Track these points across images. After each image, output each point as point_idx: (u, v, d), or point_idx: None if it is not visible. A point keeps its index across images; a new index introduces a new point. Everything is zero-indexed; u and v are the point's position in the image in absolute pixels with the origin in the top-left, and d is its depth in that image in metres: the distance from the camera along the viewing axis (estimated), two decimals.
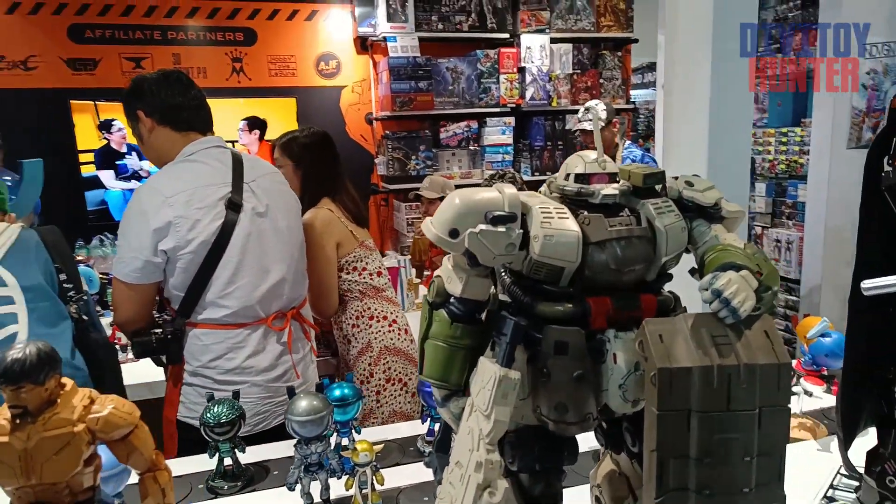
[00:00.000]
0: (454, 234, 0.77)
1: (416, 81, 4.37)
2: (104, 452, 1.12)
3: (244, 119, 4.36)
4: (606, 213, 0.80)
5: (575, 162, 0.83)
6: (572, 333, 0.77)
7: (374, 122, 4.70)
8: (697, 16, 1.05)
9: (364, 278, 2.48)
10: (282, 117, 4.39)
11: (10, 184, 2.92)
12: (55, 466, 0.66)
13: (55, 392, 0.68)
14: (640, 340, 0.74)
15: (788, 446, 0.74)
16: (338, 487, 1.26)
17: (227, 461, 1.37)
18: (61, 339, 1.67)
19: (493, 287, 0.83)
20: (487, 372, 0.77)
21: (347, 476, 1.24)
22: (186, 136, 1.98)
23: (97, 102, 4.21)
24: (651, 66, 7.74)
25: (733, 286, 0.70)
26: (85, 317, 1.74)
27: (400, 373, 2.48)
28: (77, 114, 4.13)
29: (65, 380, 0.71)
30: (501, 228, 0.76)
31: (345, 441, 1.36)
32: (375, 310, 2.48)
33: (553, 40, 4.76)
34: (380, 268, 2.55)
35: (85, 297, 1.76)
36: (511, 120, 4.73)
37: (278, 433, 1.83)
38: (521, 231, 0.78)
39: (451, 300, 0.82)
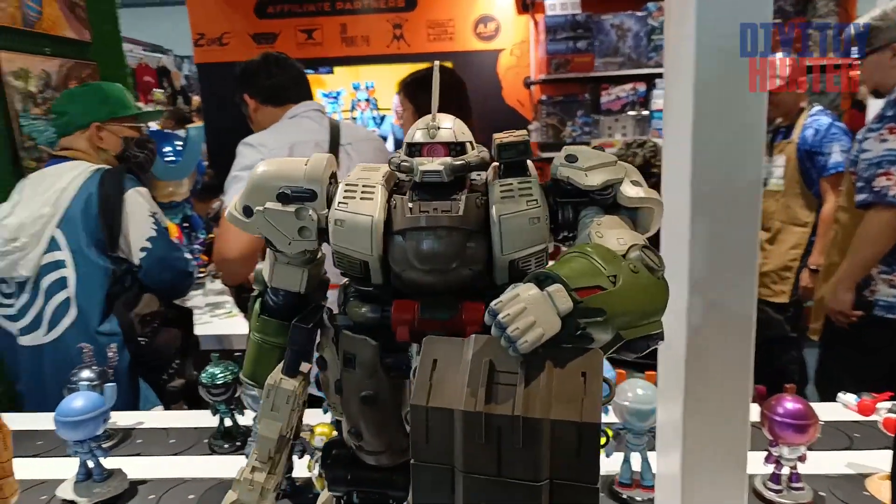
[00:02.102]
0: (247, 211, 0.66)
1: (574, 41, 4.06)
2: (83, 397, 1.22)
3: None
4: (434, 194, 0.62)
5: (411, 129, 0.66)
6: (359, 344, 0.62)
7: (531, 85, 4.49)
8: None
9: None
10: None
11: (179, 147, 3.33)
12: None
13: None
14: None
15: None
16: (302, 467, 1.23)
17: (228, 422, 1.41)
18: (97, 306, 1.81)
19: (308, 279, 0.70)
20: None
21: (309, 457, 1.19)
22: (285, 108, 2.12)
23: None
24: None
25: (514, 306, 0.49)
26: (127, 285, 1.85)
27: None
28: None
29: None
30: (290, 208, 0.63)
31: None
32: None
33: None
34: None
35: (128, 267, 1.85)
36: None
37: None
38: (325, 213, 0.64)
39: (268, 290, 0.71)
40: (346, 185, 0.64)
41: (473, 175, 0.69)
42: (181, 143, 3.43)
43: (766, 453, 1.16)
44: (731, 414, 0.90)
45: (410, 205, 0.61)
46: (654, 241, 0.71)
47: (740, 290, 0.87)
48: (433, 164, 0.61)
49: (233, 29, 4.45)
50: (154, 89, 5.84)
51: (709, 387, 0.89)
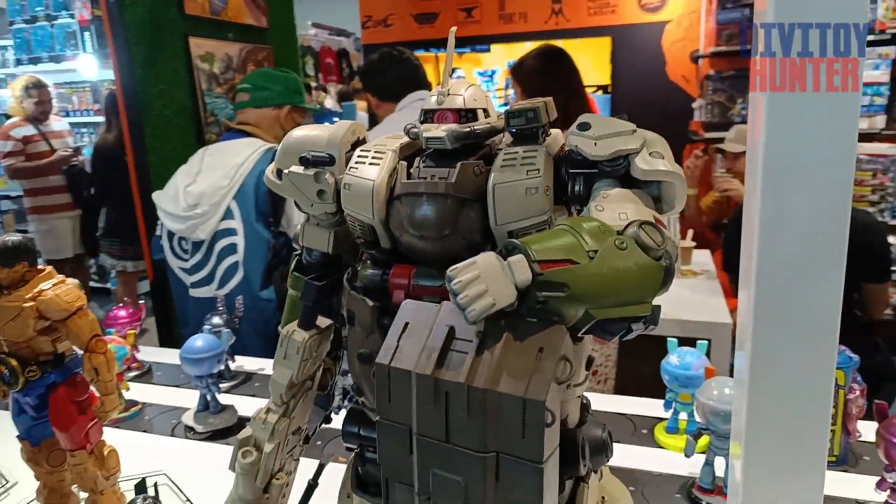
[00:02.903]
0: (279, 174, 0.72)
1: (751, 9, 3.65)
2: (203, 339, 1.39)
3: None
4: (440, 162, 0.63)
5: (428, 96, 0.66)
6: (359, 304, 0.65)
7: (699, 59, 4.14)
8: None
9: None
10: (595, 60, 4.23)
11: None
12: (11, 330, 0.88)
13: (27, 275, 0.90)
14: None
15: None
16: None
17: None
18: (259, 274, 1.99)
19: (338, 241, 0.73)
20: None
21: None
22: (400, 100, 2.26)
23: (437, 54, 4.75)
24: None
25: (468, 273, 0.49)
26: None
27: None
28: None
29: (49, 268, 0.93)
30: (309, 172, 0.67)
31: None
32: None
33: None
34: None
35: (286, 241, 2.01)
36: (890, 51, 3.59)
37: None
38: (341, 177, 0.67)
39: (303, 249, 0.76)
40: (361, 150, 0.66)
41: (500, 144, 0.68)
42: (337, 119, 3.70)
43: (878, 478, 1.00)
44: (804, 427, 0.79)
45: (411, 171, 0.62)
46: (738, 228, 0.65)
47: (821, 289, 0.75)
48: (438, 130, 0.61)
49: (397, 10, 4.66)
50: (314, 91, 6.26)
51: (778, 394, 0.79)
